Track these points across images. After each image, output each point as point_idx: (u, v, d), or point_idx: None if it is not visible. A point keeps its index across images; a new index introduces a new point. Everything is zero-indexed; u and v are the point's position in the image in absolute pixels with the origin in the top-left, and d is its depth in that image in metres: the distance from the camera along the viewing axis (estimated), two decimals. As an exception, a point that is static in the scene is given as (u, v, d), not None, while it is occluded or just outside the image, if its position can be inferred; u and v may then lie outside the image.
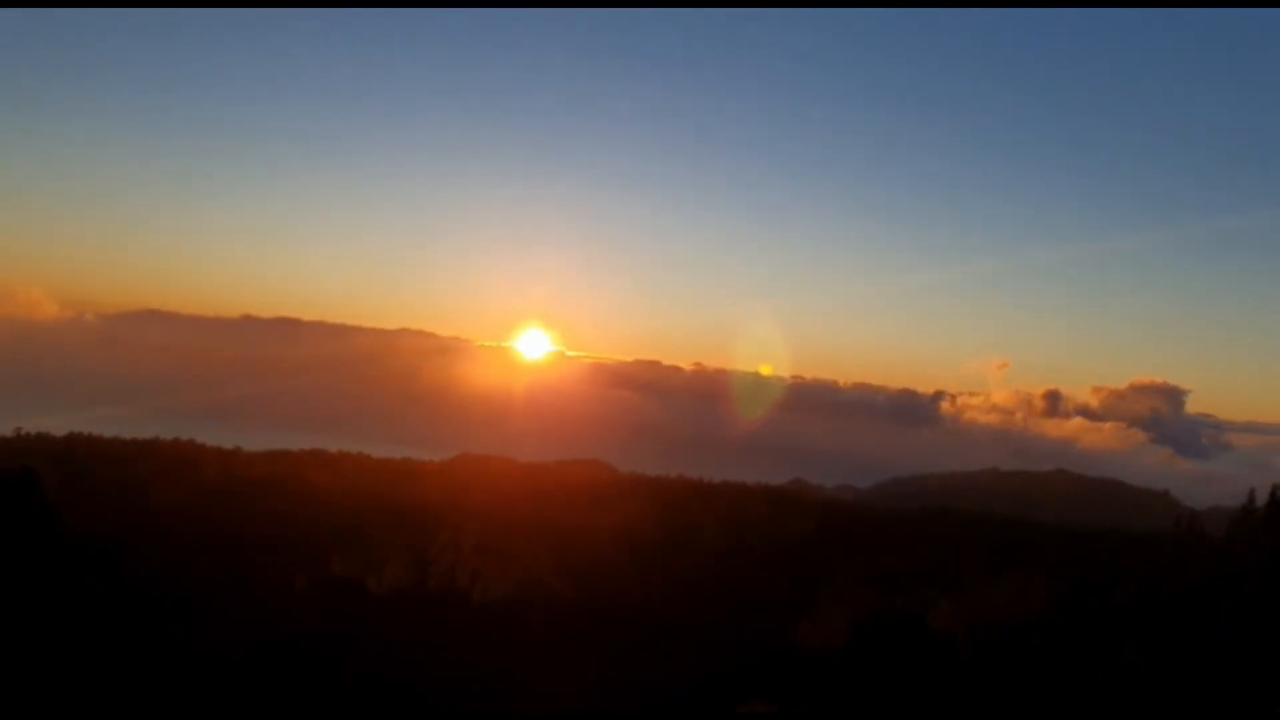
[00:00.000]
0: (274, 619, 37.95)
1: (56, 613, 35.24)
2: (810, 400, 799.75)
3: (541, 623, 39.34)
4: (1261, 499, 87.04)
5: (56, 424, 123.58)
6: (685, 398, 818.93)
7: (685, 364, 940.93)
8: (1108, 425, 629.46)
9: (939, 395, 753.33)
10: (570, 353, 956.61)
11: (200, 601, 38.50)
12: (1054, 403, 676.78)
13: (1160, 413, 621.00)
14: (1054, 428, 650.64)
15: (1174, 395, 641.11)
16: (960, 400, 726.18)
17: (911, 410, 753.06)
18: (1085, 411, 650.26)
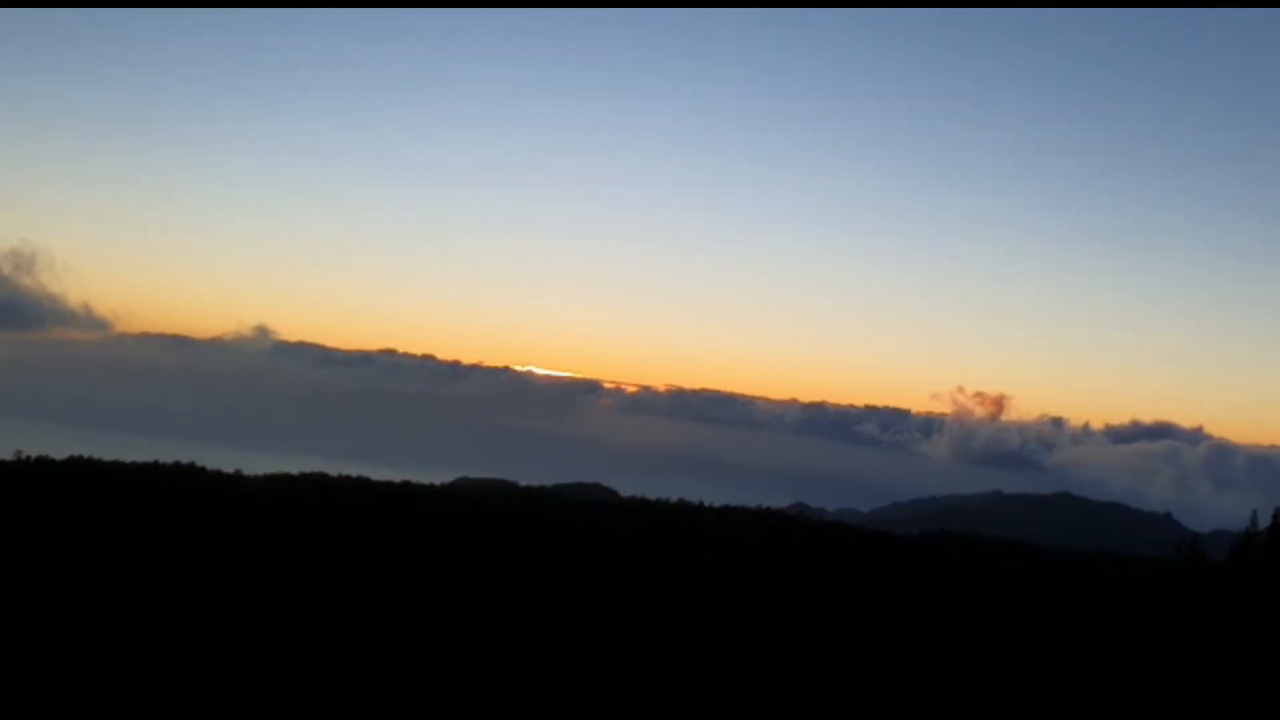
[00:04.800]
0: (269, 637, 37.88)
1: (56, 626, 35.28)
2: (812, 423, 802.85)
3: (540, 643, 39.27)
4: (1264, 522, 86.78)
5: (58, 447, 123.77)
6: (681, 419, 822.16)
7: (682, 386, 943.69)
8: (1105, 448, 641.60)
9: (935, 416, 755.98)
10: (565, 375, 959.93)
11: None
12: (1055, 425, 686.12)
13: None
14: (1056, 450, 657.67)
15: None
16: (954, 421, 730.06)
17: (908, 431, 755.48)
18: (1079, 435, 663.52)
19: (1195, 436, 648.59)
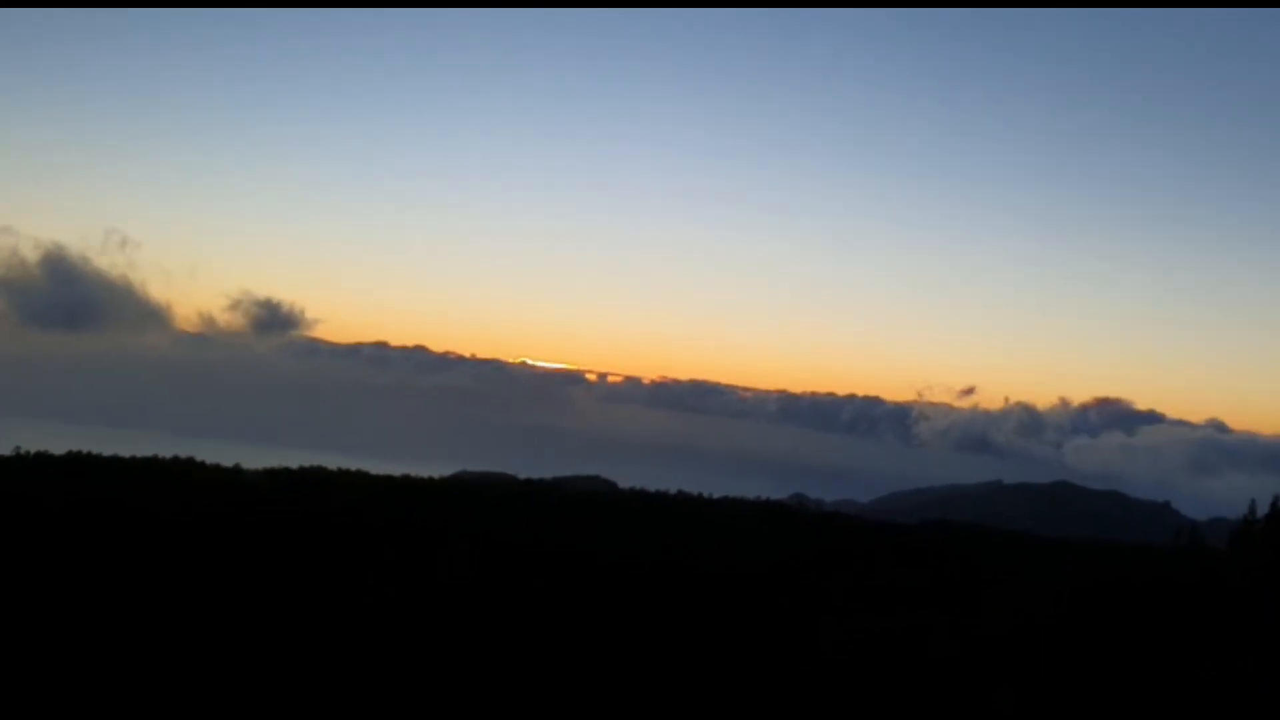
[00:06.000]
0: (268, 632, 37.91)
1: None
2: (809, 413, 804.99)
3: (540, 637, 39.33)
4: (1262, 510, 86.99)
5: (56, 444, 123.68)
6: (673, 409, 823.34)
7: (672, 377, 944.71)
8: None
9: (911, 404, 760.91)
10: (556, 366, 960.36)
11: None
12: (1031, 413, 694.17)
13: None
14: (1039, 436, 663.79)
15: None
16: (949, 410, 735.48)
17: (907, 421, 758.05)
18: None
19: (1155, 417, 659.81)
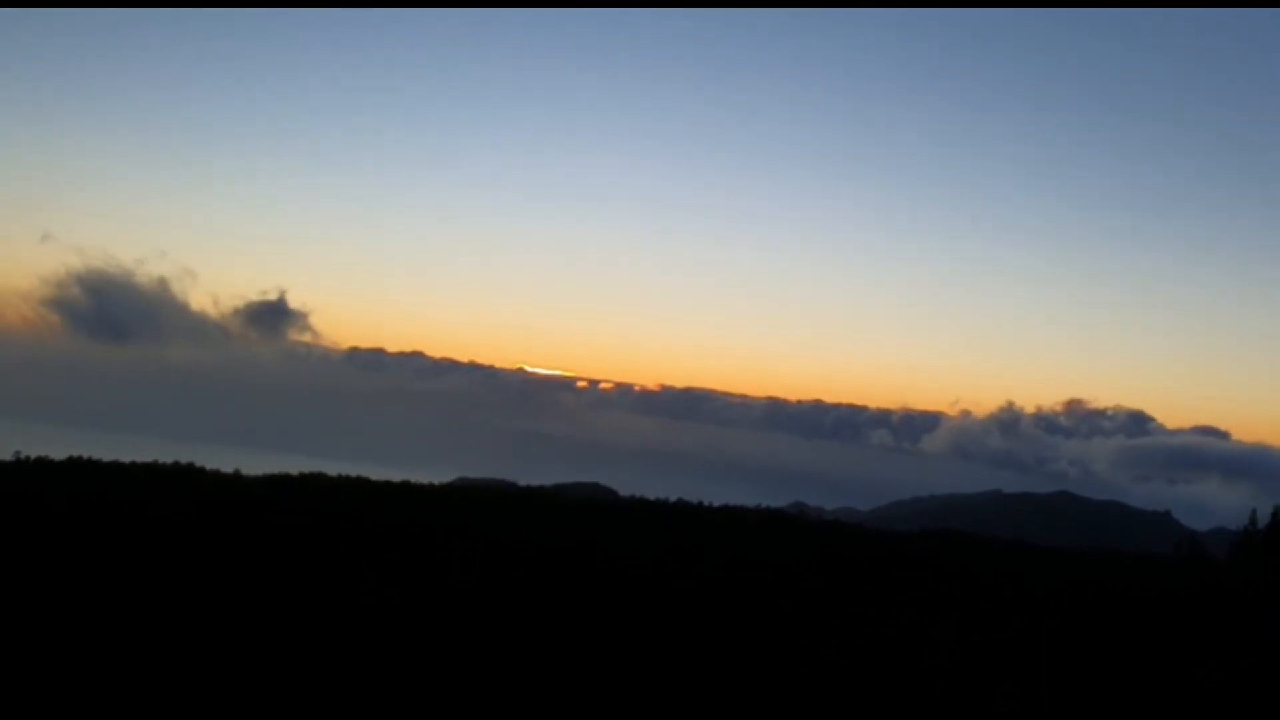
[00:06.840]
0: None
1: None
2: (799, 420, 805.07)
3: (540, 645, 39.33)
4: (1263, 521, 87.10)
5: (57, 448, 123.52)
6: (666, 417, 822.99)
7: (670, 384, 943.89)
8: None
9: (935, 414, 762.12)
10: (563, 374, 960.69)
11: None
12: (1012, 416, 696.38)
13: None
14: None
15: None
16: (952, 419, 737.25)
17: (909, 430, 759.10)
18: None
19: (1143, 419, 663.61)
